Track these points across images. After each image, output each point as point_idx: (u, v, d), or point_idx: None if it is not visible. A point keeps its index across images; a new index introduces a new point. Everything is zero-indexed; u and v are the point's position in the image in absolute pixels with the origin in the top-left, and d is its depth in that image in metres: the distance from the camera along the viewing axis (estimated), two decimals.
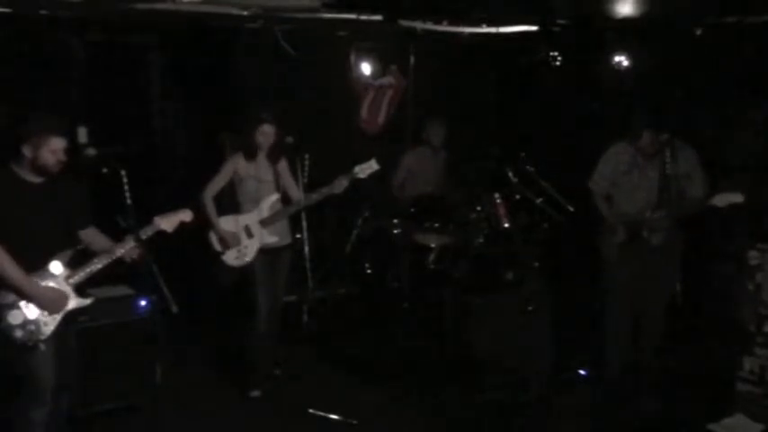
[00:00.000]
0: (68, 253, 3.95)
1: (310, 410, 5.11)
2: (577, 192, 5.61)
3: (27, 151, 3.79)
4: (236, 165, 5.25)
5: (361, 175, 5.20)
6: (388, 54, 7.92)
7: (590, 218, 5.48)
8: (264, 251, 5.27)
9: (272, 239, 5.26)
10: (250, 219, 5.26)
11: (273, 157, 5.28)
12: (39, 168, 3.83)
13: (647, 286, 5.29)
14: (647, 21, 5.95)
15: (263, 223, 5.25)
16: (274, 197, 5.30)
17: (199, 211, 4.86)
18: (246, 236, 5.25)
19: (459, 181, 6.99)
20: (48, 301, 3.82)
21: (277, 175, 5.30)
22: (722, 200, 4.76)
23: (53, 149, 3.81)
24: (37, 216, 3.84)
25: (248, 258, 5.25)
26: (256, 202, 5.26)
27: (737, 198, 4.73)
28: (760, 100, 6.04)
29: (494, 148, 6.74)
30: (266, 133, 5.19)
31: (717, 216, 5.05)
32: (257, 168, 5.26)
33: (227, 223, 5.25)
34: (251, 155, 5.23)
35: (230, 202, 5.38)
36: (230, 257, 5.27)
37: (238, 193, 5.31)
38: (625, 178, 5.25)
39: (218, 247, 5.27)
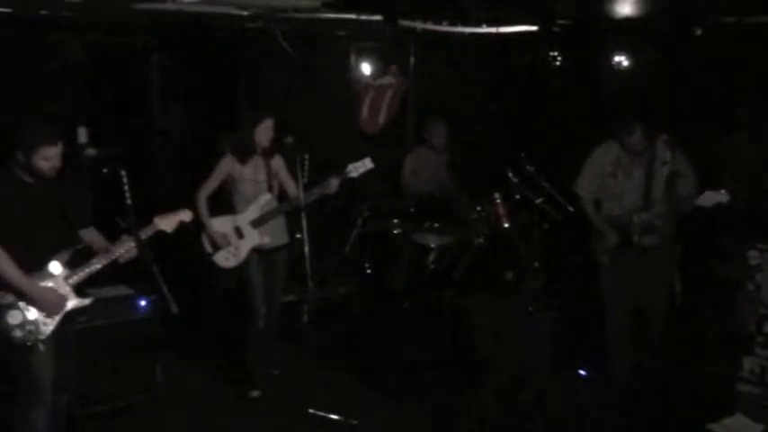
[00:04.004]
0: (68, 253, 3.95)
1: (310, 410, 5.10)
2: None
3: (20, 156, 3.79)
4: (230, 166, 5.21)
5: (354, 174, 5.16)
6: (388, 54, 7.91)
7: (589, 218, 5.47)
8: (258, 251, 5.24)
9: (264, 240, 5.22)
10: (241, 219, 5.22)
11: (268, 152, 5.24)
12: (33, 173, 3.82)
13: (643, 288, 5.27)
14: (647, 21, 5.95)
15: (255, 223, 5.21)
16: (266, 197, 5.26)
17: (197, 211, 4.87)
18: (237, 236, 5.22)
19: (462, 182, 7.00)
20: (46, 304, 3.83)
21: (270, 175, 5.26)
22: (708, 199, 4.75)
23: (45, 157, 3.78)
24: (36, 216, 3.84)
25: (239, 259, 5.22)
26: (250, 202, 5.24)
27: (723, 197, 4.72)
28: (759, 100, 6.03)
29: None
30: (269, 127, 5.15)
31: (716, 216, 5.05)
32: (251, 169, 5.22)
33: (219, 224, 5.22)
34: (246, 157, 5.20)
35: (229, 202, 5.38)
36: (221, 258, 5.24)
37: (233, 193, 5.28)
38: (611, 180, 5.18)
39: (208, 248, 5.26)
